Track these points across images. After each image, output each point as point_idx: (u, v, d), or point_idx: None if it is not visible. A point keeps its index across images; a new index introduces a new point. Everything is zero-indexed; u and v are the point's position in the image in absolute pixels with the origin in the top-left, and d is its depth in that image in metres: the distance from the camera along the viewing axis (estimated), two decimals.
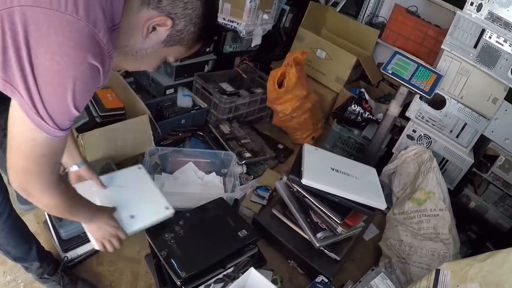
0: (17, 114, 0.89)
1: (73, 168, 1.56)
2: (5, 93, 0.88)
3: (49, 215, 1.84)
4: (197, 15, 1.02)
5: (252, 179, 2.64)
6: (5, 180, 1.38)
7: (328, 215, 1.97)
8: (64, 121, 0.92)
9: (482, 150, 2.55)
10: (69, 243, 1.82)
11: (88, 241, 1.84)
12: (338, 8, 4.08)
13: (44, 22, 0.80)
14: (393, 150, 2.82)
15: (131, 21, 0.98)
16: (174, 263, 1.62)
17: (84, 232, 1.81)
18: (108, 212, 1.51)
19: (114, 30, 0.96)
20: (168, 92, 3.12)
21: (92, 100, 2.41)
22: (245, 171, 2.65)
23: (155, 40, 1.04)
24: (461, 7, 2.34)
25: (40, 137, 0.92)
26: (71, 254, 1.85)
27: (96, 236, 1.48)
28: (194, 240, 1.75)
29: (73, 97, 0.89)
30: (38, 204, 1.10)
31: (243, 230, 1.85)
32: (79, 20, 0.82)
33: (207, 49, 3.29)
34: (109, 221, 1.50)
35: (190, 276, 1.59)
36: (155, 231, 1.71)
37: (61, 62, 0.83)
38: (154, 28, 1.01)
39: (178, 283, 1.58)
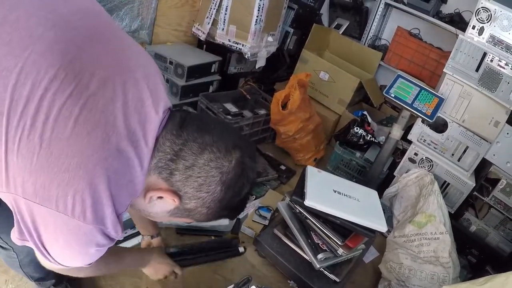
0: None
1: (146, 238, 1.66)
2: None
3: None
4: (213, 200, 0.90)
5: (255, 199, 2.64)
6: None
7: (330, 236, 1.98)
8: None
9: (484, 173, 2.55)
10: None
11: None
12: (341, 31, 4.13)
13: (51, 222, 0.79)
14: (395, 173, 2.83)
15: None
16: None
17: None
18: (157, 251, 1.55)
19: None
20: None
21: None
22: None
23: (160, 208, 0.95)
24: (463, 29, 2.37)
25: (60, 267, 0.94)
26: None
27: (155, 278, 1.56)
28: None
29: (86, 263, 0.92)
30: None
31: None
32: (86, 224, 0.79)
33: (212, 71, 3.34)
34: (161, 259, 1.54)
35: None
36: None
37: (72, 254, 0.87)
38: (161, 197, 0.91)
39: None
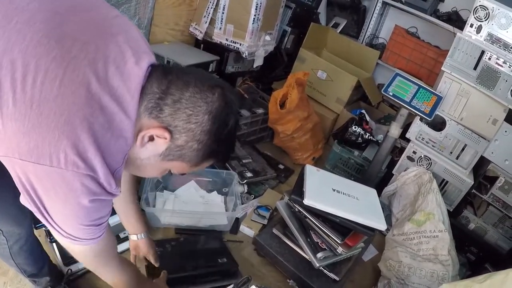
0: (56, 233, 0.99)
1: (133, 237, 1.67)
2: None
3: (48, 232, 1.83)
4: (202, 131, 0.92)
5: (253, 199, 2.65)
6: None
7: (329, 235, 1.97)
8: (90, 235, 1.01)
9: (482, 171, 2.56)
10: (71, 258, 1.83)
11: None
12: (339, 29, 4.13)
13: (47, 179, 0.84)
14: (393, 171, 2.83)
15: None
16: None
17: None
18: (160, 285, 1.62)
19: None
20: None
21: None
22: (246, 190, 2.65)
23: (151, 152, 0.96)
24: (460, 28, 2.37)
25: (81, 248, 1.06)
26: (74, 268, 1.85)
27: None
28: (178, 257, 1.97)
29: (90, 225, 0.97)
30: (108, 281, 1.29)
31: (224, 258, 2.04)
32: (79, 173, 0.83)
33: (210, 70, 3.33)
34: None
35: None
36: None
37: (72, 208, 0.90)
38: (152, 138, 0.93)
39: None
